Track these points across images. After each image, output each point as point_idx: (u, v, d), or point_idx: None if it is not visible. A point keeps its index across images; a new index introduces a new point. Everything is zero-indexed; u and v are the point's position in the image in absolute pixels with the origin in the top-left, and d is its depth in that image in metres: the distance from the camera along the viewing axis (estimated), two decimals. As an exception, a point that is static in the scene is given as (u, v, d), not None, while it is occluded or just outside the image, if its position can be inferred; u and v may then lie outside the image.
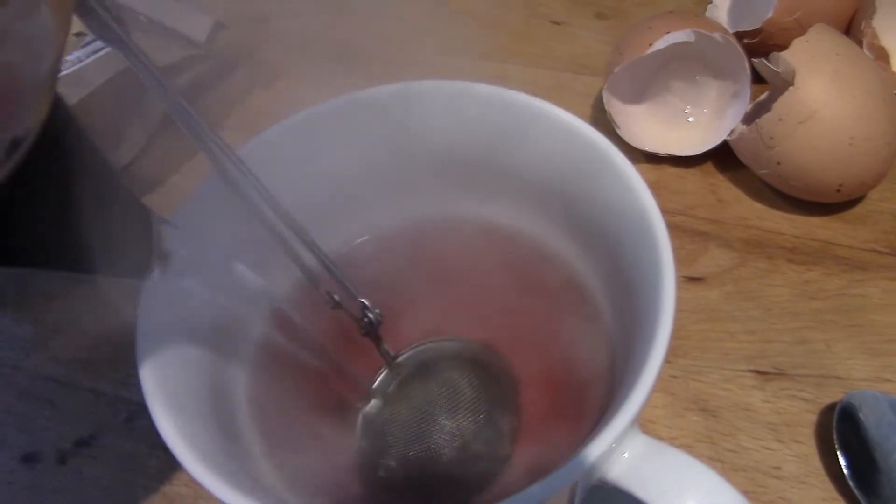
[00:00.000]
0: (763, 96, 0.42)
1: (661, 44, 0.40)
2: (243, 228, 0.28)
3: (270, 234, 0.27)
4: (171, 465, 0.35)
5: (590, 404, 0.26)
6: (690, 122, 0.45)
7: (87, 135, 0.18)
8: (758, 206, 0.42)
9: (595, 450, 0.21)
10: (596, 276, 0.30)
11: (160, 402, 0.23)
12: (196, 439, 0.23)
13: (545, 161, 0.30)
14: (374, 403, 0.31)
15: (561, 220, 0.31)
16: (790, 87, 0.37)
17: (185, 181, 0.47)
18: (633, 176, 0.27)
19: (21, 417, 0.37)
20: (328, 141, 0.31)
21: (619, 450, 0.22)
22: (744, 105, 0.41)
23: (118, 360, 0.39)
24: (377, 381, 0.31)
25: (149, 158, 0.48)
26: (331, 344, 0.28)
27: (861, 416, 0.32)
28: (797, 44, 0.38)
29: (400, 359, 0.31)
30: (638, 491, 0.22)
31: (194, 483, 0.33)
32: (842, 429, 0.32)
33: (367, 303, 0.27)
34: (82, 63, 0.43)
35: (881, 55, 0.44)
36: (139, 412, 0.37)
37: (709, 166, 0.44)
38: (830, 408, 0.33)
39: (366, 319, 0.27)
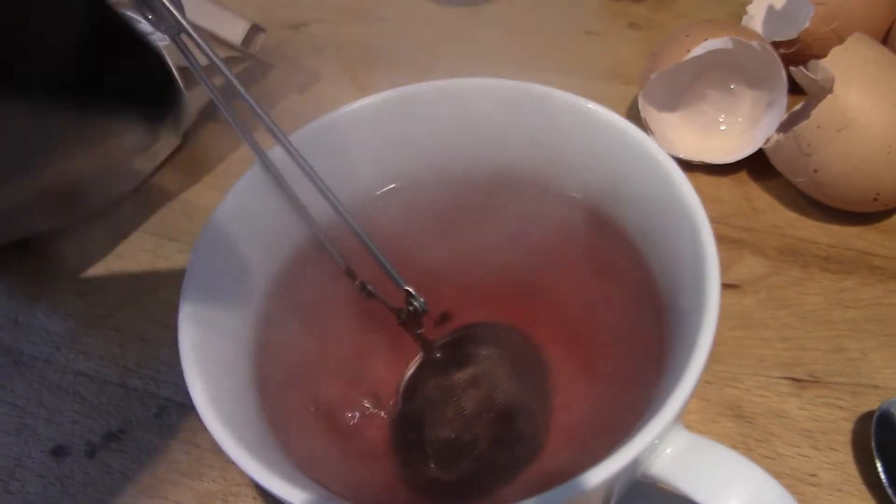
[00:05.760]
0: (798, 106, 0.42)
1: (698, 50, 0.40)
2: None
3: (312, 224, 0.27)
4: (200, 460, 0.35)
5: (634, 399, 0.25)
6: (723, 130, 0.45)
7: None
8: (792, 214, 0.42)
9: (637, 445, 0.21)
10: (648, 261, 0.30)
11: (200, 385, 0.24)
12: (236, 426, 0.23)
13: (592, 160, 0.31)
14: (407, 394, 0.30)
15: (606, 215, 0.32)
16: (829, 95, 0.37)
17: (219, 180, 0.47)
18: (684, 185, 0.27)
19: (51, 411, 0.37)
20: (389, 122, 0.34)
21: (662, 446, 0.22)
22: (779, 114, 0.41)
23: (148, 355, 0.39)
24: (410, 372, 0.31)
25: (184, 154, 0.49)
26: (359, 334, 0.28)
27: (900, 423, 0.31)
28: (836, 52, 0.37)
29: (436, 346, 0.31)
30: (682, 485, 0.21)
31: (223, 479, 0.34)
32: (879, 436, 0.31)
33: (412, 291, 0.27)
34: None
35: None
36: (169, 407, 0.37)
37: (743, 175, 0.44)
38: (867, 416, 0.33)
39: (411, 308, 0.27)
